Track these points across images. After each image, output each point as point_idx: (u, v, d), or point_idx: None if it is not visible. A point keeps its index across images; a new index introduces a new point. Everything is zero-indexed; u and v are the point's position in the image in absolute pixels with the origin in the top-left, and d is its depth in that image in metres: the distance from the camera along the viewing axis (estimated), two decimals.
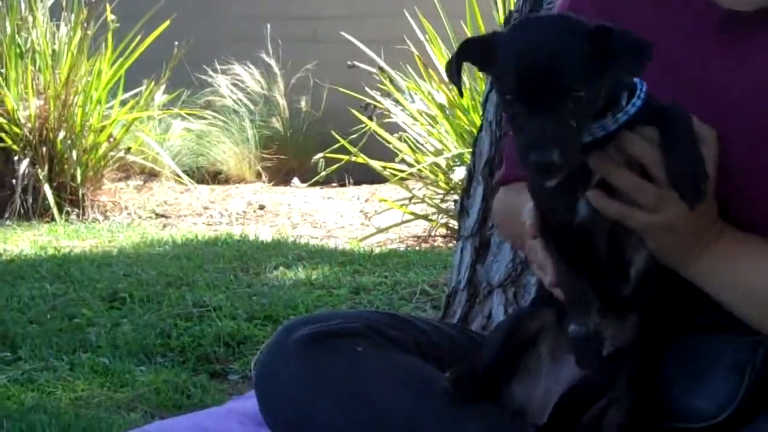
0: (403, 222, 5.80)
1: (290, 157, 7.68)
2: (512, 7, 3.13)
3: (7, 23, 6.54)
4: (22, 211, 6.37)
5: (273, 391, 1.95)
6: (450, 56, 1.63)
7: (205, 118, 7.64)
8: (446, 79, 5.73)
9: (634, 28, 1.70)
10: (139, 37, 6.73)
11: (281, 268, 4.67)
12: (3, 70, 6.49)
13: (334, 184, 7.35)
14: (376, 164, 6.01)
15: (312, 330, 1.92)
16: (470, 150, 5.28)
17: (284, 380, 1.92)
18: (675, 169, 1.59)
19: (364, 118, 6.30)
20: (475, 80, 5.78)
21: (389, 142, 6.10)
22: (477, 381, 1.79)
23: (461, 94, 1.69)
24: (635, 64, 1.55)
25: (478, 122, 5.64)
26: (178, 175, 7.11)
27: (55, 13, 6.74)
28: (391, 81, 6.26)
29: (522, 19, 1.63)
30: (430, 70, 6.02)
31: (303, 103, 7.77)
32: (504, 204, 2.05)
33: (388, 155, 6.14)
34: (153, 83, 6.99)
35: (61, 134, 6.50)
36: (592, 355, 1.66)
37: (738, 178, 1.68)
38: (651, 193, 1.63)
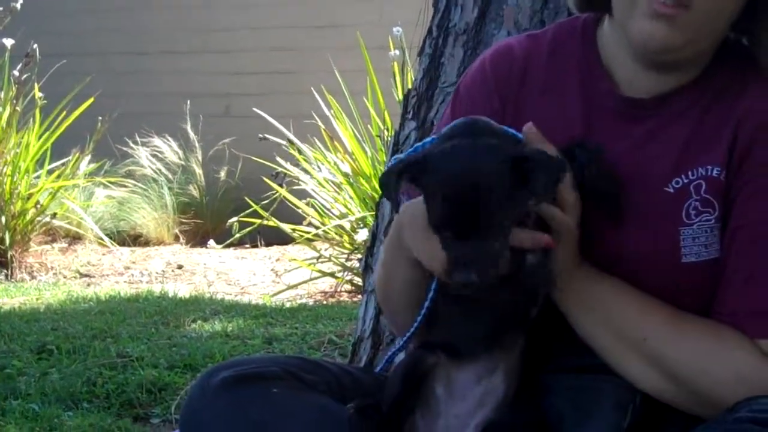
0: (311, 279, 5.81)
1: (206, 221, 7.65)
2: (410, 85, 3.19)
3: None
4: None
5: (195, 430, 1.95)
6: (385, 170, 1.65)
7: (126, 186, 7.59)
8: (348, 151, 5.81)
9: (533, 115, 1.75)
10: (65, 112, 6.68)
11: (199, 321, 4.63)
12: None
13: (247, 246, 7.33)
14: (286, 227, 6.02)
15: (231, 373, 1.92)
16: (372, 213, 5.34)
17: (206, 420, 1.91)
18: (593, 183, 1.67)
19: (275, 185, 6.31)
20: (376, 151, 5.84)
21: (298, 207, 6.13)
22: (379, 411, 1.80)
23: (398, 210, 1.69)
24: (551, 183, 1.60)
25: (378, 188, 5.70)
26: (100, 238, 7.04)
27: None
28: (300, 152, 6.29)
29: (447, 146, 1.64)
30: (336, 143, 6.07)
31: (222, 173, 7.76)
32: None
33: (297, 219, 6.16)
34: (78, 154, 6.94)
35: None
36: (546, 277, 1.66)
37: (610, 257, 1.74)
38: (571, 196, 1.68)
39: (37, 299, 5.43)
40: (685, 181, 1.72)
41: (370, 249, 3.27)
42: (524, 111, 1.81)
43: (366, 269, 3.29)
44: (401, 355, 2.82)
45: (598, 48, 1.82)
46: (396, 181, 1.63)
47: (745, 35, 1.77)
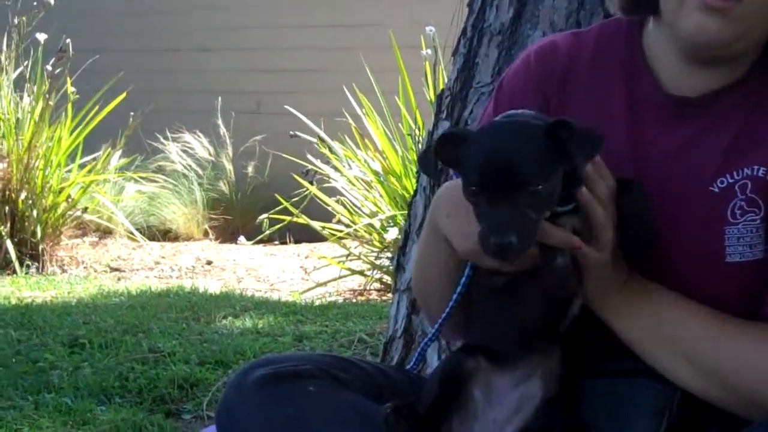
0: (340, 277, 5.82)
1: (236, 218, 7.67)
2: (442, 86, 3.19)
3: None
4: None
5: (231, 427, 1.95)
6: (423, 148, 1.68)
7: (156, 182, 7.63)
8: (379, 149, 5.81)
9: (577, 114, 1.74)
10: (97, 107, 6.72)
11: (229, 317, 4.65)
12: None
13: (277, 243, 7.35)
14: (316, 224, 6.03)
15: (268, 371, 1.92)
16: (402, 212, 5.35)
17: (242, 417, 1.92)
18: (631, 225, 1.66)
19: (305, 183, 6.33)
20: (407, 150, 5.85)
21: (328, 205, 6.14)
22: (415, 413, 1.80)
23: (439, 183, 1.71)
24: (587, 155, 1.61)
25: (409, 187, 5.72)
26: (131, 233, 7.07)
27: (19, 84, 6.71)
28: (331, 150, 6.31)
29: (487, 124, 1.68)
30: (366, 141, 6.08)
31: (250, 169, 7.78)
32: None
33: (327, 216, 6.17)
34: (109, 149, 6.98)
35: (23, 195, 6.44)
36: (572, 280, 1.67)
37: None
38: (608, 234, 1.67)
39: (69, 293, 5.47)
40: (731, 180, 1.71)
41: (402, 248, 3.27)
42: (568, 110, 1.80)
43: (398, 268, 3.30)
44: (434, 346, 2.84)
45: (644, 49, 1.82)
46: (436, 150, 1.66)
47: None
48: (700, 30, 1.66)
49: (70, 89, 6.66)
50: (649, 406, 1.74)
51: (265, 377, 1.92)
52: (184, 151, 7.82)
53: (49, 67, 6.59)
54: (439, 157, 1.67)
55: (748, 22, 1.66)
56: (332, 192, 6.23)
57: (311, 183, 6.29)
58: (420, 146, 5.58)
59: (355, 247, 5.87)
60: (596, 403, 1.76)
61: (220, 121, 7.90)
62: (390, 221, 5.71)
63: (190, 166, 7.77)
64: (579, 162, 1.61)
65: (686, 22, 1.67)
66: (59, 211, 6.62)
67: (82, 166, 6.85)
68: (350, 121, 6.26)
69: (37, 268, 6.39)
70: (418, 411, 1.80)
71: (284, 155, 7.03)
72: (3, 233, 6.32)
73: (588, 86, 1.83)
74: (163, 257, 6.91)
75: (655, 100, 1.78)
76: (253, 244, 7.28)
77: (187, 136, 7.86)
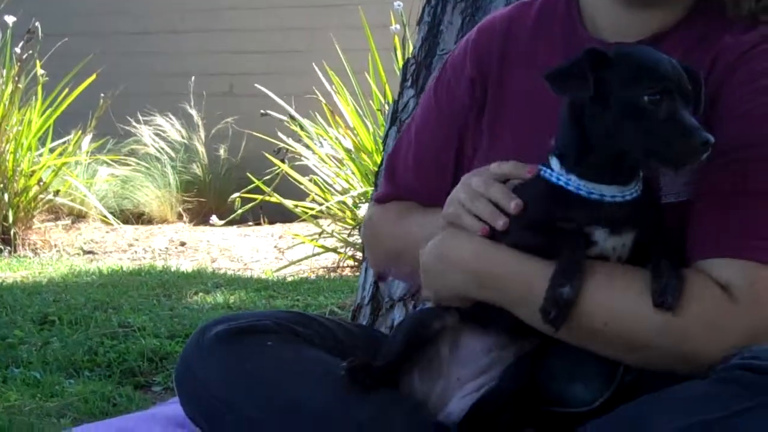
0: (314, 255, 5.83)
1: (210, 200, 7.66)
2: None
3: None
4: None
5: (192, 385, 1.97)
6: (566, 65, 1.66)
7: (129, 165, 7.60)
8: (350, 126, 5.83)
9: (516, 89, 1.85)
10: (67, 90, 6.70)
11: (201, 294, 4.65)
12: None
13: (251, 223, 7.35)
14: (289, 203, 6.04)
15: (225, 327, 1.94)
16: (374, 189, 5.34)
17: (201, 374, 1.94)
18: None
19: (277, 161, 6.33)
20: (378, 126, 5.86)
21: (300, 183, 6.14)
22: (371, 371, 1.81)
23: (594, 93, 1.65)
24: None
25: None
26: (104, 216, 7.06)
27: None
28: (302, 128, 6.31)
29: (625, 47, 1.70)
30: (337, 118, 6.08)
31: (222, 151, 7.77)
32: (395, 218, 2.04)
33: (300, 195, 6.18)
34: (80, 132, 6.96)
35: None
36: (563, 316, 1.67)
37: None
38: None
39: (40, 273, 5.46)
40: None
41: None
42: (506, 87, 1.90)
43: None
44: (400, 307, 2.86)
45: (581, 5, 1.86)
46: (588, 65, 1.63)
47: None
48: None
49: (40, 72, 6.63)
50: (600, 366, 1.75)
51: (224, 333, 1.94)
52: (157, 134, 7.79)
53: (17, 50, 6.56)
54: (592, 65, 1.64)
55: None
56: (305, 171, 6.23)
57: (283, 161, 6.29)
58: (386, 116, 5.58)
59: (328, 225, 5.88)
60: (555, 353, 1.78)
61: (192, 103, 7.88)
62: (362, 198, 5.72)
63: (162, 149, 7.75)
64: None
65: None
66: (30, 194, 6.59)
67: (52, 150, 6.82)
68: (321, 98, 6.26)
69: (9, 252, 6.36)
70: (375, 368, 1.81)
71: (256, 134, 7.02)
72: None
73: (527, 57, 1.90)
74: (137, 240, 6.90)
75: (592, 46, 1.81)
76: (226, 224, 7.27)
77: (159, 119, 7.84)
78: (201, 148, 7.82)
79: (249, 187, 6.52)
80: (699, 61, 1.74)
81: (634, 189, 1.70)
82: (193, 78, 7.96)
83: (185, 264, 5.94)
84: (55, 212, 7.01)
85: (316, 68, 6.58)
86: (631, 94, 1.62)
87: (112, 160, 7.44)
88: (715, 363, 1.62)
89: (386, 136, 3.31)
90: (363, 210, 5.63)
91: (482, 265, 1.73)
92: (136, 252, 6.58)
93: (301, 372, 1.87)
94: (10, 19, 6.66)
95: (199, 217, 7.60)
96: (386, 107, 5.78)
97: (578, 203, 1.68)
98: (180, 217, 7.61)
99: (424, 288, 1.85)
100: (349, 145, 5.94)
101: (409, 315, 1.91)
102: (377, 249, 2.11)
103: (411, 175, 2.03)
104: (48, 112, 6.69)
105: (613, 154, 1.66)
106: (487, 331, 1.79)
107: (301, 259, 5.81)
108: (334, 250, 5.80)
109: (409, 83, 3.17)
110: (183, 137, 7.82)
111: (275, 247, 6.53)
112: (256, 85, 7.05)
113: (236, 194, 6.71)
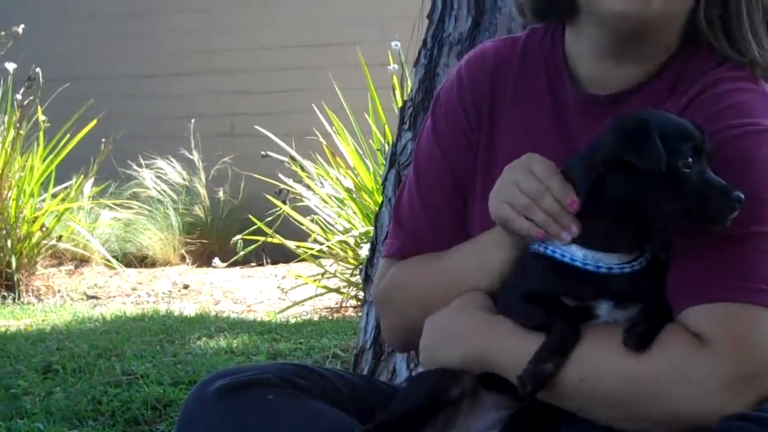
0: (316, 295, 5.83)
1: (212, 241, 7.68)
2: None
3: None
4: None
5: None
6: (641, 133, 1.63)
7: (131, 208, 7.62)
8: (350, 166, 5.83)
9: (507, 127, 1.83)
10: (68, 135, 6.72)
11: (204, 338, 4.65)
12: None
13: (253, 264, 7.35)
14: (291, 244, 6.04)
15: (226, 382, 1.93)
16: (374, 229, 5.34)
17: (203, 429, 1.92)
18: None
19: (278, 203, 6.34)
20: (378, 165, 5.87)
21: (302, 224, 6.15)
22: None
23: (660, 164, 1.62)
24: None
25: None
26: (107, 260, 7.06)
27: None
28: (302, 168, 6.32)
29: (646, 114, 1.68)
30: (337, 158, 6.09)
31: (221, 193, 7.79)
32: (422, 265, 1.98)
33: (302, 235, 6.18)
34: (82, 177, 6.98)
35: None
36: (538, 390, 1.65)
37: None
38: None
39: (43, 320, 5.46)
40: None
41: (370, 259, 3.29)
42: (498, 123, 1.89)
43: (366, 280, 3.31)
44: (402, 357, 2.84)
45: (565, 49, 1.87)
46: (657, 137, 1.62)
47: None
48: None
49: (41, 117, 6.66)
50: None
51: (224, 387, 1.92)
52: (158, 177, 7.82)
53: (19, 96, 6.59)
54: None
55: None
56: (306, 211, 6.24)
57: (284, 202, 6.30)
58: (386, 160, 5.60)
59: (330, 265, 5.88)
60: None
61: (192, 146, 7.90)
62: (363, 237, 5.72)
63: (164, 191, 7.77)
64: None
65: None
66: (34, 240, 6.61)
67: (55, 195, 6.84)
68: (321, 139, 6.28)
69: (13, 299, 6.37)
70: (392, 425, 1.78)
71: (257, 176, 7.04)
72: None
73: (515, 94, 1.89)
74: (140, 283, 6.90)
75: (571, 98, 1.84)
76: (229, 266, 7.28)
77: (159, 162, 7.87)
78: (202, 190, 7.85)
79: (251, 229, 6.52)
80: (670, 108, 1.75)
81: (643, 257, 1.67)
82: (193, 120, 7.99)
83: (188, 307, 5.93)
84: (58, 257, 7.02)
85: (315, 108, 6.61)
86: (668, 161, 1.61)
87: (115, 204, 7.46)
88: (707, 424, 1.58)
89: (385, 179, 3.31)
90: (365, 249, 5.63)
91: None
92: (139, 296, 6.58)
93: (302, 426, 1.86)
94: (11, 66, 6.70)
95: (202, 259, 7.61)
96: (386, 146, 5.80)
97: (584, 277, 1.66)
98: (183, 259, 7.62)
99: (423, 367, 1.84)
100: (350, 184, 5.95)
101: (428, 373, 1.84)
102: (402, 302, 2.00)
103: (419, 219, 2.01)
104: (50, 158, 6.72)
105: (633, 220, 1.65)
106: (505, 391, 1.78)
107: (304, 300, 5.80)
108: (337, 290, 5.79)
109: (406, 126, 3.17)
110: (184, 179, 7.85)
111: (278, 287, 6.53)
112: (256, 126, 7.07)
113: (238, 236, 6.72)
